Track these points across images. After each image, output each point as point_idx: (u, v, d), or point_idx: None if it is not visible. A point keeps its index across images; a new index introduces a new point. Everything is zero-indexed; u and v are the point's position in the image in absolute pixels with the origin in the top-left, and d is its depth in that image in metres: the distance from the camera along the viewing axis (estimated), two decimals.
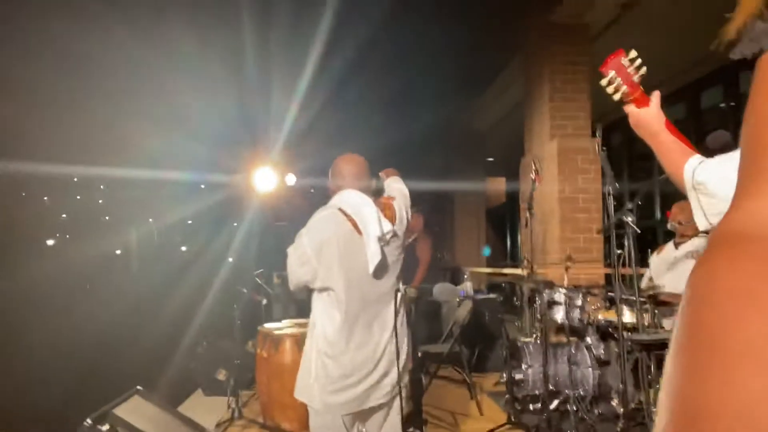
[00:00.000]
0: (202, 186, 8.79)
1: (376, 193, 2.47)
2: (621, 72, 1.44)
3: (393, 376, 2.27)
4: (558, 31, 6.05)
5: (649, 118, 1.45)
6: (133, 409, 2.91)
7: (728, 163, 1.25)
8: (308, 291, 2.36)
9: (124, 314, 5.82)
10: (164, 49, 5.74)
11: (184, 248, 9.34)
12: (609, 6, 5.63)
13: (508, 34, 6.90)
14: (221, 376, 4.60)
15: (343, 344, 2.21)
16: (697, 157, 1.35)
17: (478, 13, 6.09)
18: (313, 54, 6.07)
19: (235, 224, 7.91)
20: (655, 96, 1.47)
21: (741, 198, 0.35)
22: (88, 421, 2.48)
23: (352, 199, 2.29)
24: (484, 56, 7.41)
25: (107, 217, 8.51)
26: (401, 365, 2.22)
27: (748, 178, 0.36)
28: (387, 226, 2.29)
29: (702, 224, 1.36)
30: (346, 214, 2.27)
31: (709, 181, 1.26)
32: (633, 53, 1.43)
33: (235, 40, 5.89)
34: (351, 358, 2.21)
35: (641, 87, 1.46)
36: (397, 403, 2.29)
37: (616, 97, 1.48)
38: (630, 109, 1.49)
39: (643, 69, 1.43)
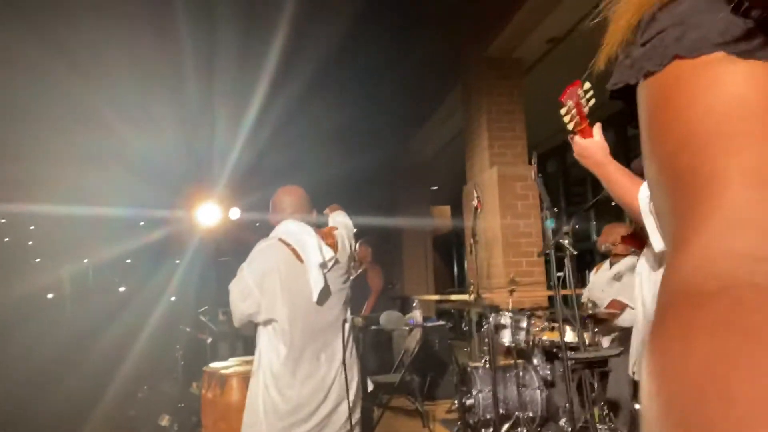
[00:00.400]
0: (142, 223, 8.50)
1: (319, 226, 2.47)
2: (576, 103, 1.48)
3: (344, 408, 2.23)
4: (493, 64, 6.33)
5: (595, 148, 1.48)
6: None
7: None
8: (254, 326, 2.31)
9: (57, 360, 5.48)
10: (102, 82, 5.60)
11: (122, 288, 8.94)
12: (538, 42, 5.96)
13: (448, 69, 7.16)
14: (164, 421, 4.38)
15: (289, 377, 2.17)
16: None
17: (419, 49, 6.31)
18: (257, 89, 6.08)
19: (177, 261, 7.67)
20: (597, 127, 1.51)
21: (683, 241, 0.30)
22: None
23: (292, 229, 2.30)
24: (423, 90, 7.64)
25: (38, 260, 8.07)
26: (352, 396, 2.19)
27: (685, 215, 0.31)
28: (329, 254, 2.29)
29: (658, 246, 1.41)
30: (286, 244, 2.26)
31: None
32: (587, 85, 1.47)
33: (178, 74, 5.82)
34: (298, 391, 2.17)
35: (587, 119, 1.51)
36: None
37: (570, 126, 1.51)
38: (576, 139, 1.52)
39: (593, 101, 1.47)
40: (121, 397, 4.76)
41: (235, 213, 6.76)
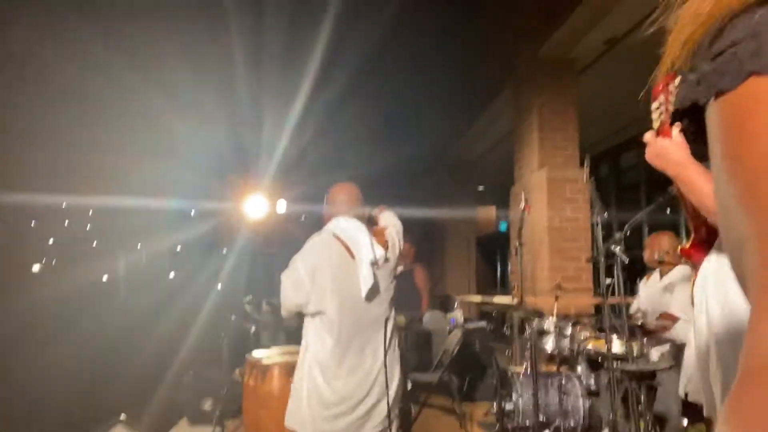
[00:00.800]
0: (192, 213, 8.77)
1: (369, 222, 2.53)
2: (666, 99, 1.34)
3: (385, 404, 2.25)
4: (546, 65, 6.19)
5: (673, 147, 1.34)
6: None
7: None
8: (299, 318, 2.37)
9: (110, 342, 5.73)
10: (158, 77, 5.80)
11: (172, 275, 9.25)
12: (594, 42, 5.79)
13: (499, 67, 7.05)
14: (207, 405, 4.51)
15: (335, 368, 2.23)
16: None
17: (470, 47, 6.24)
18: (305, 83, 6.15)
19: (225, 251, 7.87)
20: (677, 127, 1.34)
21: (763, 311, 0.28)
22: None
23: (345, 225, 2.36)
24: (475, 87, 7.55)
25: (95, 244, 8.44)
26: (392, 393, 2.20)
27: (766, 279, 0.28)
28: (379, 252, 2.34)
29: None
30: (339, 239, 2.33)
31: None
32: (678, 80, 1.34)
33: (228, 69, 5.97)
34: (344, 383, 2.22)
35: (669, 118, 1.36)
36: None
37: (656, 124, 1.37)
38: (656, 139, 1.38)
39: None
40: (168, 381, 4.93)
41: (281, 206, 6.89)
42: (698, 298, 1.80)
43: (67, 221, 8.06)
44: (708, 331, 1.62)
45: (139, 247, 8.85)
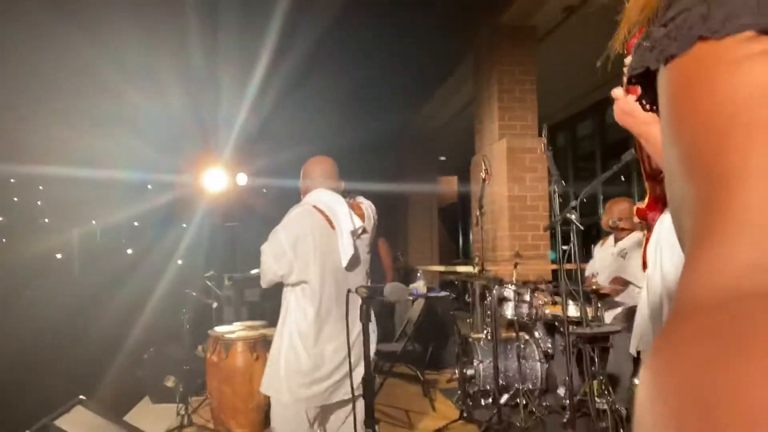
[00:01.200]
0: (149, 186, 8.52)
1: (344, 196, 2.58)
2: None
3: (360, 372, 2.29)
4: (506, 33, 6.19)
5: (641, 105, 1.38)
6: (76, 420, 2.80)
7: None
8: (261, 291, 2.40)
9: (66, 320, 5.58)
10: (109, 45, 5.53)
11: (129, 251, 9.02)
12: (554, 9, 5.81)
13: (459, 36, 7.00)
14: (170, 382, 4.47)
15: (314, 337, 2.30)
16: None
17: (430, 15, 6.16)
18: (263, 54, 5.97)
19: (184, 225, 7.71)
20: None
21: (695, 249, 0.28)
22: None
23: (324, 197, 2.43)
24: (435, 57, 7.49)
25: (46, 220, 8.13)
26: (355, 359, 2.24)
27: (700, 214, 0.29)
28: (358, 222, 2.44)
29: None
30: (319, 210, 2.39)
31: None
32: None
33: (183, 36, 5.73)
34: (321, 350, 2.30)
35: None
36: (360, 403, 2.31)
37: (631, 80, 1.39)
38: (622, 94, 1.43)
39: None
40: (128, 359, 4.85)
41: (242, 178, 6.76)
42: (652, 256, 1.85)
43: (15, 198, 7.72)
44: (662, 286, 1.68)
45: (93, 223, 8.57)
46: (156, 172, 7.60)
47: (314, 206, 2.42)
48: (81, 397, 3.05)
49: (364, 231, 2.50)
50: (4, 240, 7.34)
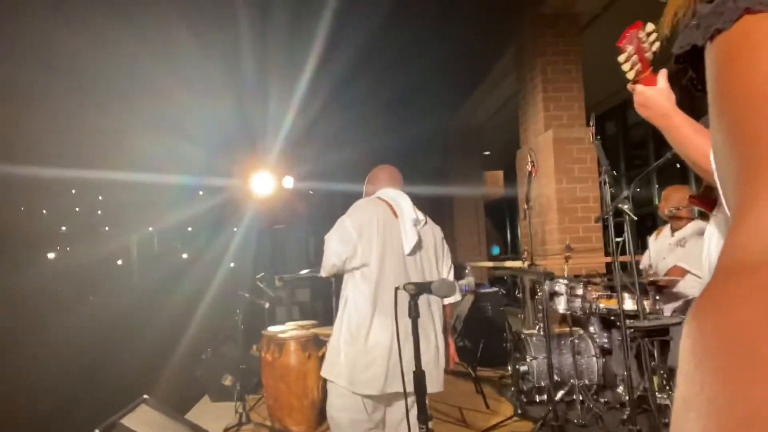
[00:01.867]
0: (201, 192, 8.80)
1: None
2: (637, 47, 1.31)
3: (427, 364, 2.29)
4: (549, 22, 6.06)
5: (659, 97, 1.31)
6: (141, 418, 2.92)
7: None
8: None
9: (128, 324, 5.83)
10: (162, 53, 5.73)
11: (185, 255, 9.34)
12: None
13: (500, 27, 6.91)
14: (227, 381, 4.61)
15: (369, 319, 2.34)
16: None
17: (471, 8, 6.10)
18: (309, 59, 6.08)
19: (235, 229, 7.92)
20: (663, 74, 1.33)
21: (740, 214, 0.29)
22: (97, 431, 2.49)
23: (388, 192, 2.55)
24: (477, 51, 7.41)
25: (106, 228, 8.51)
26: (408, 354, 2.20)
27: (747, 182, 0.30)
28: (420, 215, 2.53)
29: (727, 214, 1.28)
30: (383, 200, 2.50)
31: None
32: (650, 27, 1.29)
33: (234, 45, 5.89)
34: (378, 335, 2.33)
35: (651, 66, 1.32)
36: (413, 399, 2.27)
37: (631, 75, 1.34)
38: (639, 88, 1.34)
39: (657, 45, 1.29)
40: (186, 360, 5.02)
41: (288, 182, 6.88)
42: (704, 255, 1.78)
43: (77, 208, 8.12)
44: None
45: (150, 229, 8.92)
46: (206, 175, 7.83)
47: (378, 197, 2.54)
48: (145, 396, 3.18)
49: (426, 223, 2.58)
50: (68, 248, 7.73)
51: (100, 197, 8.43)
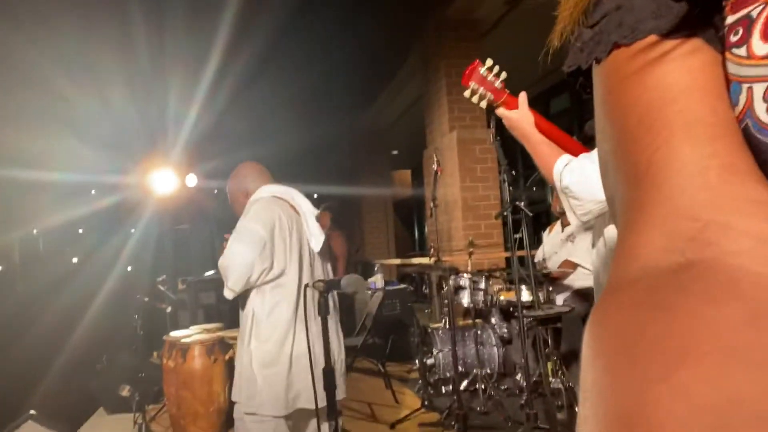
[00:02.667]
0: (93, 191, 8.20)
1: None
2: (482, 82, 1.46)
3: (341, 368, 2.26)
4: (452, 26, 6.29)
5: (519, 119, 1.47)
6: None
7: (588, 163, 1.31)
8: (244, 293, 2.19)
9: (12, 335, 5.32)
10: (44, 39, 5.26)
11: (75, 259, 8.67)
12: (497, 3, 5.93)
13: (405, 31, 7.06)
14: (125, 392, 4.33)
15: (291, 331, 2.15)
16: (562, 160, 1.38)
17: (377, 12, 6.18)
18: (213, 53, 5.85)
19: (132, 230, 7.47)
20: (523, 97, 1.49)
21: (622, 237, 0.33)
22: None
23: (277, 188, 2.33)
24: (383, 53, 7.53)
25: None
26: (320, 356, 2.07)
27: (625, 212, 0.33)
28: (316, 210, 2.36)
29: (574, 222, 1.47)
30: (280, 197, 2.29)
31: (573, 184, 1.32)
32: (489, 62, 1.46)
33: (128, 29, 5.51)
34: (298, 345, 2.15)
35: (506, 91, 1.49)
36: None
37: (483, 104, 1.50)
38: (501, 112, 1.51)
39: (504, 74, 1.46)
40: (79, 371, 4.68)
41: (191, 180, 6.60)
42: (585, 247, 1.97)
43: None
44: (599, 267, 1.79)
45: (35, 232, 8.18)
46: (98, 173, 7.30)
47: (273, 195, 2.29)
48: (32, 411, 2.93)
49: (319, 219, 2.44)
50: None
51: None
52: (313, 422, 2.25)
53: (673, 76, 0.33)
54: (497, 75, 1.46)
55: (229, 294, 2.13)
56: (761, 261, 0.27)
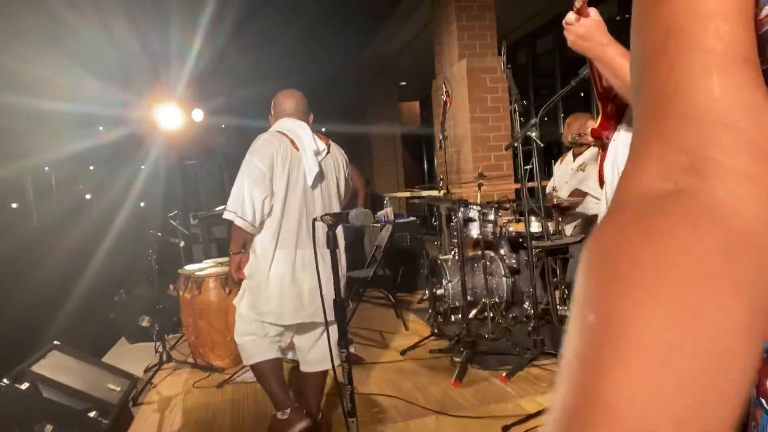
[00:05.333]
0: (101, 128, 8.15)
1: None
2: None
3: (324, 290, 2.35)
4: None
5: (597, 28, 1.34)
6: (52, 364, 2.82)
7: None
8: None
9: (31, 270, 5.47)
10: None
11: (88, 196, 8.76)
12: None
13: None
14: (144, 322, 4.51)
15: (271, 253, 2.43)
16: None
17: None
18: None
19: (142, 166, 7.48)
20: (594, 10, 1.36)
21: (629, 162, 0.35)
22: (5, 381, 2.39)
23: (287, 124, 2.56)
24: None
25: None
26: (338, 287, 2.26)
27: (636, 131, 0.35)
28: (321, 145, 2.56)
29: None
30: (284, 134, 2.51)
31: None
32: None
33: None
34: (276, 266, 2.44)
35: None
36: (333, 327, 2.33)
37: (578, 3, 1.33)
38: (575, 20, 1.36)
39: None
40: (99, 302, 4.83)
41: (197, 115, 6.52)
42: (609, 174, 1.91)
43: None
44: (610, 194, 1.75)
45: (46, 169, 8.23)
46: (104, 106, 7.20)
47: (278, 131, 2.52)
48: (56, 342, 3.06)
49: (329, 153, 2.62)
50: None
51: None
52: (303, 338, 2.64)
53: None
54: None
55: (228, 215, 2.42)
56: (743, 195, 0.29)
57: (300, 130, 2.53)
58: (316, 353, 2.60)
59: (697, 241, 0.28)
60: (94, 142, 7.82)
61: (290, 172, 2.45)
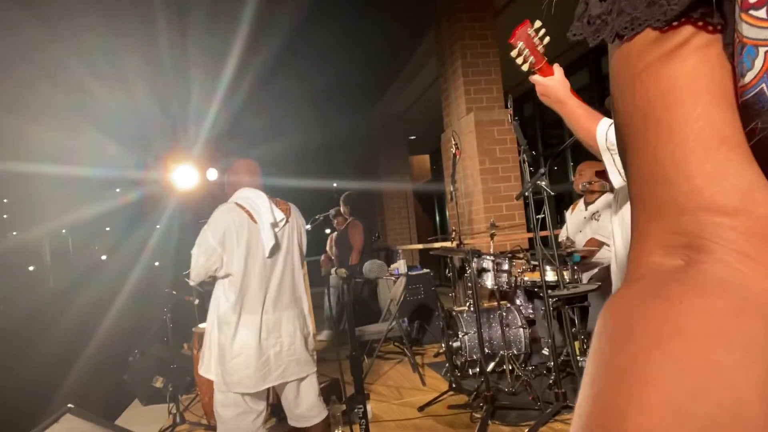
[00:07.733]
0: (118, 189, 8.34)
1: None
2: (528, 43, 1.46)
3: (295, 352, 2.53)
4: (465, 6, 6.19)
5: (555, 85, 1.50)
6: (66, 429, 2.77)
7: None
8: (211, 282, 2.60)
9: (46, 332, 5.48)
10: (68, 34, 5.33)
11: (104, 257, 8.86)
12: None
13: (418, 14, 6.99)
14: (158, 383, 4.45)
15: (234, 322, 2.48)
16: (607, 120, 1.41)
17: None
18: (232, 51, 5.90)
19: (158, 226, 7.59)
20: (557, 67, 1.52)
21: (633, 242, 0.37)
22: None
23: (247, 194, 2.65)
24: (396, 38, 7.47)
25: (14, 233, 7.91)
26: (306, 342, 2.57)
27: (636, 221, 0.37)
28: (279, 215, 2.65)
29: (617, 182, 1.45)
30: (241, 207, 2.58)
31: None
32: (537, 23, 1.45)
33: (151, 28, 5.57)
34: (240, 335, 2.49)
35: (545, 58, 1.50)
36: (310, 378, 2.57)
37: (525, 67, 1.51)
38: (536, 78, 1.53)
39: (547, 39, 1.46)
40: (113, 364, 4.80)
41: (212, 174, 6.66)
42: (617, 224, 1.93)
43: None
44: (614, 259, 1.77)
45: (63, 232, 8.38)
46: (122, 169, 7.40)
47: (236, 203, 2.61)
48: (69, 405, 3.02)
49: (287, 222, 2.70)
50: None
51: (5, 200, 7.81)
52: (287, 392, 2.63)
53: (674, 72, 0.35)
54: (541, 39, 1.46)
55: (190, 282, 2.63)
56: (747, 271, 0.31)
57: (259, 200, 2.62)
58: (303, 407, 2.63)
59: (711, 304, 0.30)
60: (111, 204, 7.99)
61: (249, 243, 2.53)
